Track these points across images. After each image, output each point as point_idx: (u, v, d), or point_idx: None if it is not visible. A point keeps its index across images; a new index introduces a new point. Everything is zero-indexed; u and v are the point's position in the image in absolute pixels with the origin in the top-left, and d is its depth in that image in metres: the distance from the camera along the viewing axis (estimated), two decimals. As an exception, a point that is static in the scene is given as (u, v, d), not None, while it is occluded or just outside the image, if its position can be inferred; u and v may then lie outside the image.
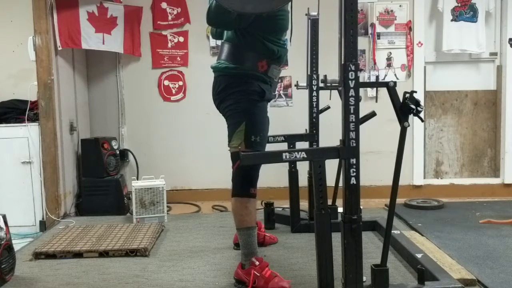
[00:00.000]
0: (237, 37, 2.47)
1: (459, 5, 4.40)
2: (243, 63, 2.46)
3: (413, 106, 2.02)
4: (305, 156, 2.03)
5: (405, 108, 2.04)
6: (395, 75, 4.45)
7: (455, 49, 4.42)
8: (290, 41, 2.66)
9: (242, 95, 2.45)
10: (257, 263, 2.41)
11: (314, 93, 3.31)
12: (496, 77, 4.57)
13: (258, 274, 2.37)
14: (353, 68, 1.95)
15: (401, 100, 2.07)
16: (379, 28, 4.43)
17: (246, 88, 2.45)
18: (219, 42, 4.44)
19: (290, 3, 2.40)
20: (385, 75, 4.44)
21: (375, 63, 4.44)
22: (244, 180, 2.46)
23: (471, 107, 4.61)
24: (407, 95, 2.05)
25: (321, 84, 3.19)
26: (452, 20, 4.41)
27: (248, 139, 2.42)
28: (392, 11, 4.43)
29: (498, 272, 2.56)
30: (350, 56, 1.95)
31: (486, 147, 4.64)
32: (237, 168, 2.45)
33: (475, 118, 4.62)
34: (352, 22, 1.94)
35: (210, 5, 2.30)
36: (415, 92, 2.08)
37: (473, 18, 4.40)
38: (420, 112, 2.03)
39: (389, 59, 4.46)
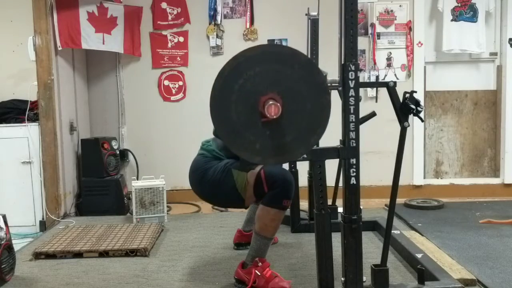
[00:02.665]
0: None
1: (459, 5, 4.40)
2: (227, 156, 2.53)
3: (413, 106, 2.02)
4: (305, 156, 2.03)
5: (405, 108, 2.05)
6: (395, 75, 4.45)
7: (455, 49, 4.42)
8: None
9: (218, 165, 2.52)
10: (260, 263, 2.41)
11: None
12: (496, 77, 4.57)
13: (259, 274, 2.37)
14: (353, 68, 1.95)
15: (401, 100, 2.07)
16: (379, 28, 4.43)
17: (221, 161, 2.54)
18: (219, 42, 4.49)
19: None
20: (385, 75, 4.44)
21: (375, 63, 4.44)
22: (279, 190, 2.39)
23: (471, 107, 4.61)
24: (407, 95, 2.05)
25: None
26: (452, 20, 4.41)
27: (245, 166, 2.43)
28: (392, 11, 4.43)
29: (498, 272, 2.56)
30: (350, 56, 1.95)
31: (486, 147, 4.64)
32: (268, 185, 2.40)
33: (475, 118, 4.62)
34: (352, 22, 1.94)
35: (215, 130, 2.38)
36: (415, 92, 2.08)
37: (473, 18, 4.40)
38: (420, 112, 2.04)
39: (389, 59, 4.46)
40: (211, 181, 2.50)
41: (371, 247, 3.00)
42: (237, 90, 1.89)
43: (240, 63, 1.89)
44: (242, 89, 1.88)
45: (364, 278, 2.08)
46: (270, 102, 1.83)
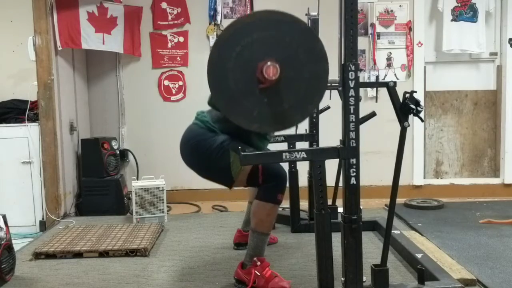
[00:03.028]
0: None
1: (459, 5, 4.40)
2: (222, 129, 2.49)
3: (413, 106, 2.02)
4: (305, 156, 2.03)
5: (405, 108, 2.04)
6: (395, 75, 4.45)
7: (455, 49, 4.42)
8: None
9: (213, 140, 2.47)
10: (258, 263, 2.41)
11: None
12: (496, 77, 4.57)
13: (259, 274, 2.37)
14: (353, 68, 1.95)
15: (401, 100, 2.07)
16: (379, 28, 4.43)
17: (216, 135, 2.49)
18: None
19: None
20: (385, 75, 4.44)
21: (375, 63, 4.44)
22: (273, 185, 2.41)
23: (471, 107, 4.61)
24: (407, 95, 2.05)
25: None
26: (452, 20, 4.41)
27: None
28: (392, 11, 4.43)
29: (498, 272, 2.56)
30: (350, 56, 1.95)
31: (486, 147, 4.64)
32: (263, 179, 2.41)
33: (475, 118, 4.62)
34: (352, 22, 1.94)
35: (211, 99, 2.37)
36: (415, 92, 2.08)
37: (473, 18, 4.40)
38: (420, 112, 2.03)
39: (389, 59, 4.46)
40: (204, 155, 2.47)
41: (371, 247, 3.00)
42: (234, 57, 1.89)
43: (237, 30, 1.89)
44: (240, 56, 1.89)
45: (364, 278, 2.08)
46: (269, 63, 1.84)
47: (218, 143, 2.45)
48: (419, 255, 2.61)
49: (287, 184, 3.34)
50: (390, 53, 4.46)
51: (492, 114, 4.61)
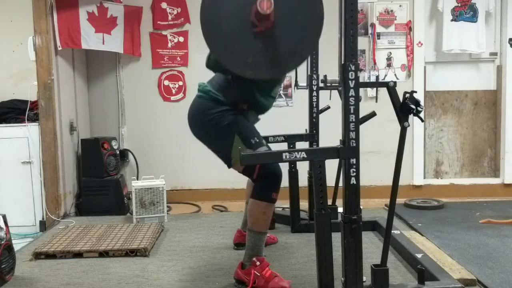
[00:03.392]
0: (231, 77, 2.49)
1: (459, 5, 4.40)
2: (226, 95, 2.47)
3: (413, 106, 2.02)
4: (305, 156, 2.03)
5: (405, 108, 2.04)
6: (395, 75, 4.45)
7: (455, 49, 4.42)
8: (296, 82, 2.57)
9: (220, 115, 2.45)
10: (258, 263, 2.41)
11: (314, 93, 3.31)
12: (496, 77, 4.57)
13: (258, 274, 2.37)
14: (353, 68, 1.95)
15: (401, 100, 2.07)
16: (379, 28, 4.43)
17: (223, 109, 2.46)
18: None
19: None
20: (385, 75, 4.44)
21: (375, 63, 4.44)
22: (267, 183, 2.42)
23: (471, 107, 4.61)
24: (407, 95, 2.05)
25: (321, 84, 3.19)
26: (452, 20, 4.41)
27: (249, 144, 2.40)
28: (392, 11, 4.43)
29: (498, 272, 2.56)
30: (350, 56, 1.95)
31: (486, 147, 4.64)
32: (258, 174, 2.41)
33: (475, 118, 4.62)
34: (352, 22, 1.94)
35: (209, 55, 2.36)
36: (415, 92, 2.08)
37: (473, 18, 4.40)
38: (420, 112, 2.03)
39: (389, 59, 4.46)
40: (210, 131, 2.48)
41: (371, 247, 3.00)
42: (227, 1, 1.86)
43: None
44: (233, 0, 1.85)
45: (364, 278, 2.08)
46: None
47: (225, 122, 2.43)
48: (419, 255, 2.61)
49: (287, 184, 3.38)
50: (390, 53, 4.46)
51: (492, 114, 4.61)
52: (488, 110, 4.61)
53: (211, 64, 2.62)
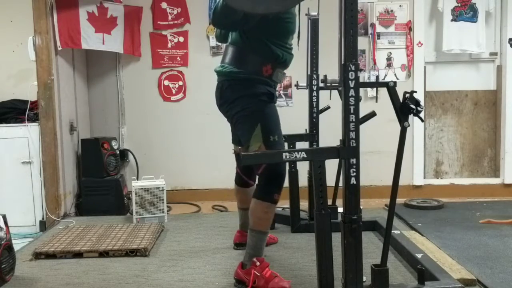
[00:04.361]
0: (242, 40, 2.45)
1: (459, 5, 4.40)
2: (248, 67, 2.43)
3: (413, 106, 2.01)
4: (305, 156, 2.03)
5: (405, 108, 2.04)
6: (395, 75, 4.45)
7: (455, 49, 4.42)
8: (298, 45, 2.61)
9: (250, 98, 2.43)
10: (258, 263, 2.41)
11: (314, 93, 3.31)
12: (496, 77, 4.57)
13: (258, 274, 2.37)
14: (353, 68, 1.94)
15: (401, 100, 2.07)
16: (379, 28, 4.43)
17: (254, 91, 2.43)
18: (219, 43, 4.49)
19: (298, 6, 2.37)
20: (385, 75, 4.44)
21: (375, 63, 4.44)
22: (270, 184, 2.42)
23: (471, 107, 4.61)
24: (407, 95, 2.05)
25: (321, 84, 3.19)
26: (452, 20, 4.41)
27: (267, 140, 2.39)
28: (392, 11, 4.43)
29: (498, 272, 2.56)
30: (350, 56, 1.95)
31: (486, 147, 4.64)
32: (262, 172, 2.42)
33: (475, 118, 4.62)
34: (352, 22, 1.94)
35: (217, 5, 2.25)
36: (415, 92, 2.07)
37: (473, 18, 4.40)
38: (420, 112, 2.03)
39: (389, 59, 4.46)
40: (239, 113, 2.46)
41: (371, 247, 3.00)
42: None
43: None
44: None
45: (364, 278, 2.08)
46: None
47: (253, 109, 2.41)
48: (419, 255, 2.61)
49: (287, 184, 3.38)
50: (390, 53, 4.46)
51: (492, 114, 4.61)
52: (488, 110, 4.61)
53: (218, 33, 2.66)
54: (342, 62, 1.97)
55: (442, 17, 4.42)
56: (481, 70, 4.61)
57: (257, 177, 2.66)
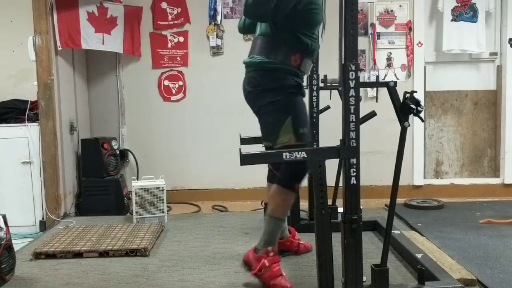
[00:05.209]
0: (271, 31, 2.47)
1: (459, 5, 4.40)
2: (277, 57, 2.44)
3: (413, 106, 2.02)
4: (305, 155, 2.02)
5: (405, 108, 2.04)
6: (395, 75, 4.45)
7: (455, 49, 4.42)
8: (322, 36, 2.62)
9: (280, 91, 2.44)
10: (271, 254, 2.41)
11: (314, 93, 3.30)
12: (496, 77, 4.57)
13: (267, 265, 2.35)
14: (353, 68, 1.95)
15: (401, 100, 2.07)
16: (379, 28, 4.43)
17: (283, 83, 2.44)
18: (219, 42, 4.49)
19: None
20: (385, 75, 4.44)
21: (375, 63, 4.44)
22: (294, 174, 2.43)
23: (471, 107, 4.61)
24: (407, 95, 2.05)
25: (321, 84, 3.19)
26: (452, 20, 4.41)
27: (297, 132, 2.41)
28: (392, 11, 4.43)
29: (498, 272, 2.56)
30: (350, 56, 1.95)
31: (486, 147, 4.64)
32: (287, 163, 2.42)
33: (475, 118, 4.62)
34: (352, 22, 1.94)
35: None
36: (415, 92, 2.08)
37: (473, 18, 4.40)
38: (420, 112, 2.03)
39: (389, 59, 4.46)
40: (267, 106, 2.46)
41: (371, 247, 3.00)
42: None
43: None
44: None
45: (364, 278, 2.08)
46: None
47: (283, 102, 2.42)
48: (419, 255, 2.61)
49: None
50: (390, 53, 4.46)
51: (492, 114, 4.61)
52: (488, 110, 4.61)
53: (241, 25, 2.71)
54: (343, 62, 1.97)
55: (442, 17, 4.42)
56: (481, 70, 4.61)
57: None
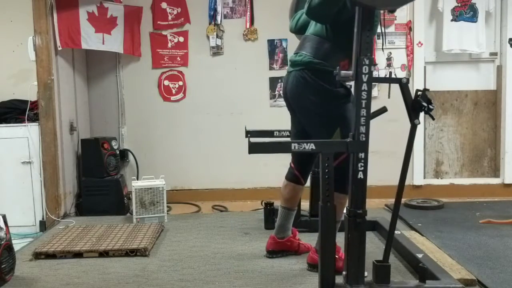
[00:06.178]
0: (326, 33, 2.44)
1: (459, 5, 4.40)
2: (327, 59, 2.42)
3: (425, 104, 2.00)
4: (313, 147, 2.01)
5: (416, 105, 2.03)
6: (395, 75, 4.45)
7: (455, 49, 4.42)
8: (383, 50, 2.59)
9: (332, 101, 2.43)
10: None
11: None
12: (496, 77, 4.57)
13: (336, 257, 2.28)
14: (367, 62, 1.94)
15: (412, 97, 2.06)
16: (379, 28, 4.41)
17: (335, 93, 2.43)
18: (219, 42, 4.49)
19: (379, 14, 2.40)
20: (385, 75, 4.44)
21: (375, 63, 4.44)
22: (344, 177, 2.35)
23: (471, 107, 4.61)
24: (419, 92, 2.03)
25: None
26: (452, 20, 4.41)
27: (345, 138, 2.40)
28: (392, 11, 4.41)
29: (498, 272, 2.56)
30: (364, 50, 1.94)
31: (486, 147, 4.64)
32: (338, 165, 2.38)
33: (475, 118, 4.62)
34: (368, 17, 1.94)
35: None
36: (428, 90, 2.06)
37: (473, 18, 4.40)
38: (431, 110, 2.02)
39: (389, 59, 4.46)
40: (315, 115, 2.48)
41: (372, 247, 2.99)
42: None
43: None
44: None
45: (366, 274, 2.08)
46: None
47: (332, 113, 2.44)
48: (419, 255, 2.61)
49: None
50: (390, 53, 4.46)
51: (492, 114, 4.61)
52: (488, 110, 4.61)
53: (293, 25, 2.67)
54: (357, 56, 1.96)
55: (442, 17, 4.42)
56: (481, 70, 4.61)
57: (308, 177, 2.79)
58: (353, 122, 2.45)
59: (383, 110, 2.52)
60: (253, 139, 2.02)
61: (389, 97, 2.50)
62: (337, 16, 2.31)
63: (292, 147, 2.00)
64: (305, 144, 2.00)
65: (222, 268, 2.74)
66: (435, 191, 4.50)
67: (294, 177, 2.82)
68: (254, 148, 2.01)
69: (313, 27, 2.54)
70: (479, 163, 4.66)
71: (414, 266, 2.50)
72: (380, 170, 4.24)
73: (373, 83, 2.03)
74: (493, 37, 4.54)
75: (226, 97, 4.49)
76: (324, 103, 2.46)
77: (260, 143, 2.07)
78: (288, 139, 3.25)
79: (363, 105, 1.96)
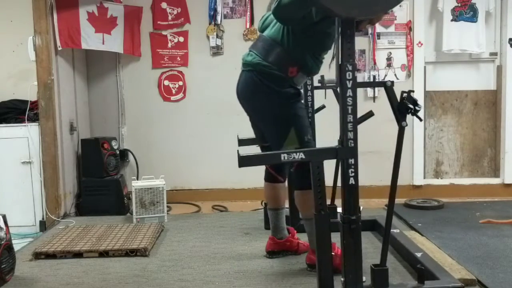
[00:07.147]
0: (281, 38, 2.45)
1: (459, 5, 4.40)
2: (276, 63, 2.45)
3: (411, 106, 2.01)
4: (303, 156, 2.03)
5: (402, 107, 2.03)
6: (395, 75, 4.45)
7: (455, 49, 4.42)
8: (330, 66, 2.62)
9: (281, 101, 2.45)
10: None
11: (309, 93, 3.29)
12: (496, 77, 4.57)
13: (333, 254, 2.29)
14: (350, 68, 1.94)
15: (398, 99, 2.06)
16: (379, 28, 4.43)
17: (284, 94, 2.45)
18: (219, 42, 4.49)
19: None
20: (385, 75, 4.44)
21: (375, 63, 4.44)
22: (307, 174, 2.34)
23: (471, 107, 4.61)
24: (405, 94, 2.04)
25: (318, 85, 3.18)
26: (452, 20, 4.41)
27: (302, 141, 2.44)
28: (392, 11, 4.42)
29: (498, 272, 2.56)
30: (347, 56, 1.95)
31: (486, 147, 4.64)
32: (297, 167, 2.50)
33: (475, 118, 4.62)
34: (349, 22, 1.94)
35: None
36: (413, 91, 2.07)
37: (473, 18, 4.40)
38: (418, 111, 2.02)
39: (389, 59, 4.46)
40: (268, 115, 2.50)
41: (371, 247, 2.99)
42: None
43: None
44: None
45: (364, 278, 2.08)
46: None
47: (285, 113, 2.45)
48: (419, 255, 2.60)
49: (287, 185, 3.37)
50: (390, 53, 4.46)
51: (492, 114, 4.60)
52: (488, 110, 4.61)
53: (260, 25, 2.66)
54: (339, 62, 1.97)
55: (442, 17, 4.42)
56: (481, 70, 4.61)
57: (286, 174, 2.80)
58: (306, 120, 2.51)
59: (369, 114, 2.53)
60: (243, 153, 2.02)
61: (374, 101, 2.51)
62: (299, 22, 2.31)
63: (282, 158, 2.01)
64: (294, 154, 2.01)
65: (222, 268, 2.75)
66: (435, 191, 4.50)
67: (271, 176, 2.86)
68: (244, 162, 2.02)
69: (270, 29, 2.55)
70: (479, 163, 4.66)
71: (414, 266, 2.50)
72: (380, 170, 4.24)
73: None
74: (493, 37, 4.54)
75: (226, 97, 4.47)
76: (274, 104, 2.48)
77: (250, 156, 2.08)
78: None
79: (349, 111, 1.96)
